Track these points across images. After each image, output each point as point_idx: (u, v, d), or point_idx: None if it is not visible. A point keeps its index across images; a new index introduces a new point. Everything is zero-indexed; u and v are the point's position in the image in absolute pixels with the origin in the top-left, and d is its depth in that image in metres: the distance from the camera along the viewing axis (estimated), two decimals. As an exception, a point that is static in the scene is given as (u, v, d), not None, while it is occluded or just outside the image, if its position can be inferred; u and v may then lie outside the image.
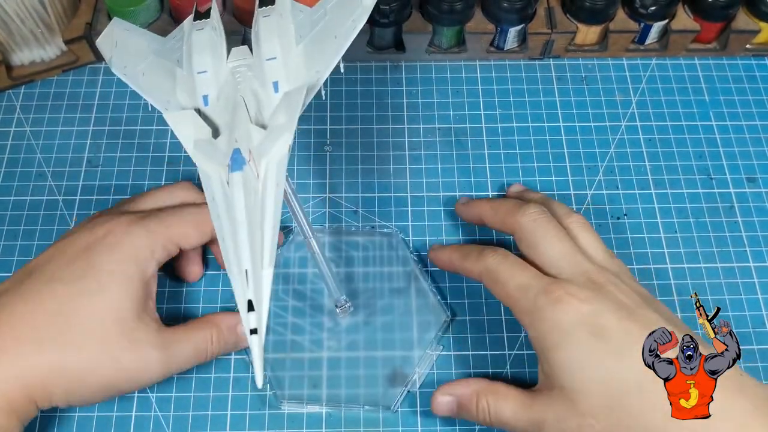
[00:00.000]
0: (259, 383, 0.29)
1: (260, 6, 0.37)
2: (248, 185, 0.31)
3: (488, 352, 0.41)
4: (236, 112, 0.34)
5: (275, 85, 0.35)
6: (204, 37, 0.36)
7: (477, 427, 0.39)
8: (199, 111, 0.35)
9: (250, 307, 0.29)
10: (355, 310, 0.41)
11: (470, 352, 0.41)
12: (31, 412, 0.34)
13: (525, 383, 0.37)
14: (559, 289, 0.34)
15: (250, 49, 0.37)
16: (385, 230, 0.45)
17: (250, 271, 0.29)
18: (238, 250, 0.30)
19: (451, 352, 0.41)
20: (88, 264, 0.35)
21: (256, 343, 0.28)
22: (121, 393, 0.36)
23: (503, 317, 0.42)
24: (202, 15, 0.38)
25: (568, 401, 0.33)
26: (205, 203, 0.39)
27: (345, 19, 0.35)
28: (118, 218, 0.37)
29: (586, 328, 0.33)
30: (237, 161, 0.31)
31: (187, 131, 0.34)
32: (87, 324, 0.34)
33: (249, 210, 0.30)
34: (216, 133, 0.34)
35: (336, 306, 0.40)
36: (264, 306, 0.29)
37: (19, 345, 0.33)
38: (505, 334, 0.42)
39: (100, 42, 0.40)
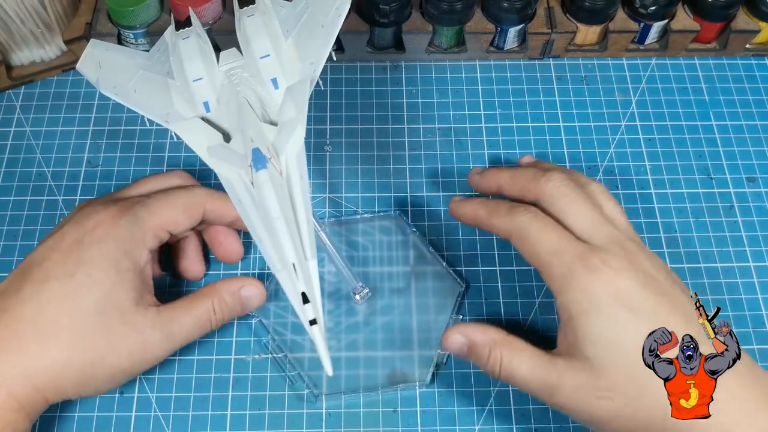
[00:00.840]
0: (329, 371, 0.30)
1: (241, 7, 0.37)
2: (275, 182, 0.31)
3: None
4: (243, 114, 0.34)
5: (274, 82, 0.35)
6: (192, 44, 0.36)
7: (477, 427, 0.39)
8: (202, 118, 0.35)
9: (305, 299, 0.29)
10: (372, 294, 0.42)
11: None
12: (40, 407, 0.34)
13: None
14: (595, 257, 0.34)
15: (239, 51, 0.37)
16: (384, 213, 0.45)
17: (297, 264, 0.30)
18: (280, 247, 0.30)
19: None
20: (81, 259, 0.35)
21: (317, 333, 0.29)
22: (130, 377, 0.36)
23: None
24: (183, 24, 0.38)
25: (591, 372, 0.33)
26: (195, 185, 0.40)
27: (328, 8, 0.35)
28: (106, 209, 0.37)
29: (619, 302, 0.33)
30: (260, 160, 0.31)
31: (199, 139, 0.34)
32: (88, 318, 0.34)
33: (282, 205, 0.31)
34: (226, 137, 0.34)
35: (353, 293, 0.41)
36: (317, 296, 0.30)
37: (25, 345, 0.33)
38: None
39: (81, 66, 0.39)
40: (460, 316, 0.41)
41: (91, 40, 0.41)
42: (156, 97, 0.37)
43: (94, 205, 0.37)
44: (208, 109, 0.35)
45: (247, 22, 0.36)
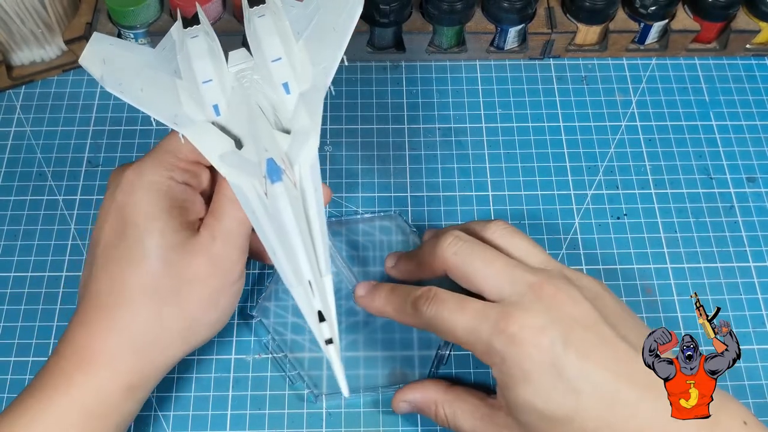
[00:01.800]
0: (346, 392, 0.29)
1: (251, 6, 0.37)
2: (291, 194, 0.30)
3: None
4: (255, 120, 0.33)
5: (285, 86, 0.34)
6: (201, 44, 0.35)
7: (477, 427, 0.39)
8: (212, 122, 0.34)
9: (321, 317, 0.29)
10: None
11: None
12: (151, 384, 0.35)
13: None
14: (512, 323, 0.32)
15: (248, 51, 0.36)
16: (384, 213, 0.45)
17: (313, 281, 0.29)
18: (296, 263, 0.29)
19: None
20: (126, 220, 0.34)
21: (334, 353, 0.28)
22: (231, 292, 0.35)
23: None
24: (191, 21, 0.37)
25: None
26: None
27: (340, 11, 0.34)
28: (130, 166, 0.35)
29: (545, 369, 0.32)
30: (275, 171, 0.30)
31: (211, 145, 0.33)
32: (154, 269, 0.33)
33: (297, 219, 0.30)
34: (237, 143, 0.33)
35: (354, 293, 0.40)
36: (333, 314, 0.29)
37: (118, 321, 0.33)
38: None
39: (84, 60, 0.38)
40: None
41: (95, 33, 0.39)
42: (163, 97, 0.35)
43: (124, 167, 0.36)
44: (217, 113, 0.34)
45: (258, 23, 0.35)
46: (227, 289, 0.35)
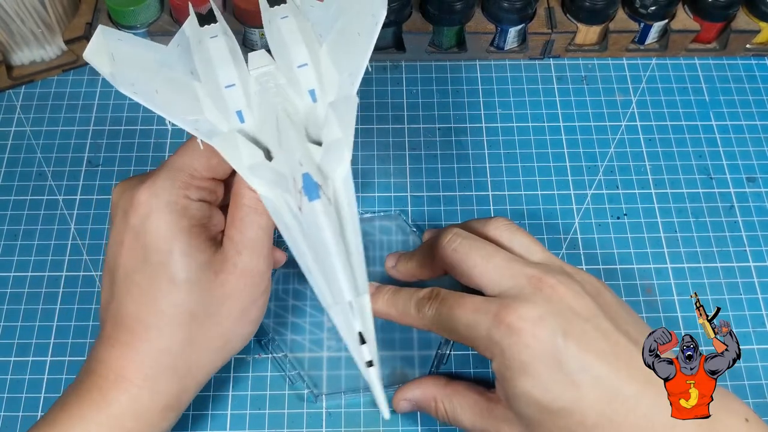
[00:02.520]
0: (386, 415, 0.29)
1: (271, 5, 0.35)
2: (328, 211, 0.29)
3: None
4: (284, 130, 0.31)
5: (312, 93, 0.33)
6: (221, 45, 0.33)
7: (477, 427, 0.39)
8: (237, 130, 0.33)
9: (362, 339, 0.28)
10: None
11: None
12: (191, 397, 0.34)
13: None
14: (511, 314, 0.32)
15: (269, 53, 0.34)
16: (384, 213, 0.45)
17: (355, 301, 0.28)
18: (335, 283, 0.29)
19: None
20: (146, 244, 0.32)
21: (374, 375, 0.28)
22: (258, 307, 0.35)
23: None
24: (206, 18, 0.34)
25: (526, 429, 0.33)
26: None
27: (365, 14, 0.33)
28: (142, 184, 0.34)
29: (544, 360, 0.32)
30: (312, 188, 0.29)
31: (240, 156, 0.31)
32: (182, 291, 0.32)
33: (338, 238, 0.29)
34: (266, 153, 0.32)
35: None
36: (373, 336, 0.28)
37: (152, 343, 0.33)
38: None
39: (89, 55, 0.34)
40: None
41: (100, 26, 0.35)
42: (181, 100, 0.33)
43: (132, 185, 0.34)
44: (242, 119, 0.32)
45: (282, 25, 0.33)
46: (258, 300, 0.34)
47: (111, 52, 0.34)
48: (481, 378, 0.40)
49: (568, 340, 0.32)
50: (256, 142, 0.32)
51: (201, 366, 0.34)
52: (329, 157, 0.30)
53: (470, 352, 0.41)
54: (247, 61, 0.34)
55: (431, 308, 0.35)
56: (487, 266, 0.35)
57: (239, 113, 0.32)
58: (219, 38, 0.33)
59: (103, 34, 0.34)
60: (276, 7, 0.34)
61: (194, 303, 0.32)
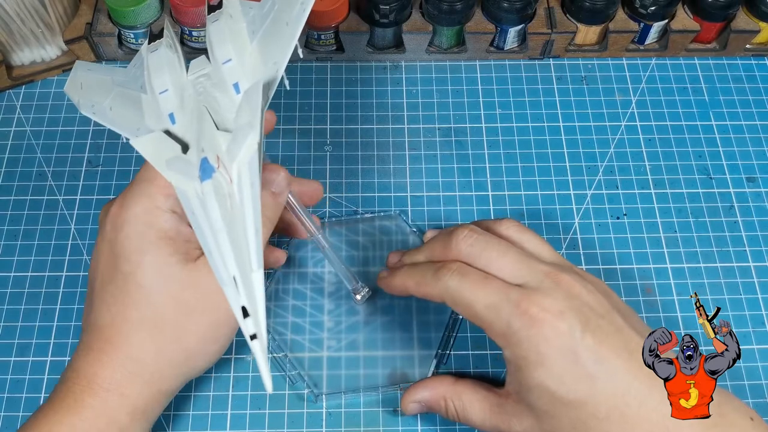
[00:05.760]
0: (269, 388, 0.28)
1: (209, 13, 0.37)
2: (220, 191, 0.31)
3: None
4: (202, 122, 0.33)
5: (236, 86, 0.34)
6: (160, 56, 0.36)
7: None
8: (169, 132, 0.35)
9: (245, 313, 0.29)
10: (373, 294, 0.42)
11: None
12: (160, 404, 0.35)
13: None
14: (532, 304, 0.33)
15: (208, 58, 0.36)
16: (384, 213, 0.45)
17: (239, 277, 0.29)
18: (223, 258, 0.30)
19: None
20: (116, 255, 0.34)
21: (258, 348, 0.28)
22: (226, 331, 0.35)
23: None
24: (157, 36, 0.37)
25: (536, 420, 0.33)
26: None
27: (293, 5, 0.34)
28: (115, 201, 0.36)
29: (562, 352, 0.32)
30: (206, 170, 0.31)
31: (156, 153, 0.33)
32: (150, 301, 0.33)
33: (227, 216, 0.30)
34: (186, 148, 0.34)
35: (354, 293, 0.41)
36: (260, 310, 0.29)
37: (117, 347, 0.33)
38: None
39: (68, 88, 0.40)
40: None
41: (77, 62, 0.41)
42: (130, 113, 0.36)
43: (108, 205, 0.37)
44: (173, 121, 0.34)
45: (211, 28, 0.36)
46: (227, 321, 0.35)
47: (80, 82, 0.39)
48: (482, 377, 0.40)
49: (586, 334, 0.32)
50: (183, 141, 0.34)
51: (166, 377, 0.34)
52: (235, 142, 0.32)
53: (470, 352, 0.41)
54: (189, 68, 0.36)
55: (452, 278, 0.35)
56: (504, 260, 0.35)
57: (171, 116, 0.35)
58: (159, 50, 0.37)
59: (77, 68, 0.40)
60: (212, 13, 0.37)
61: (159, 314, 0.33)
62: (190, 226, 0.36)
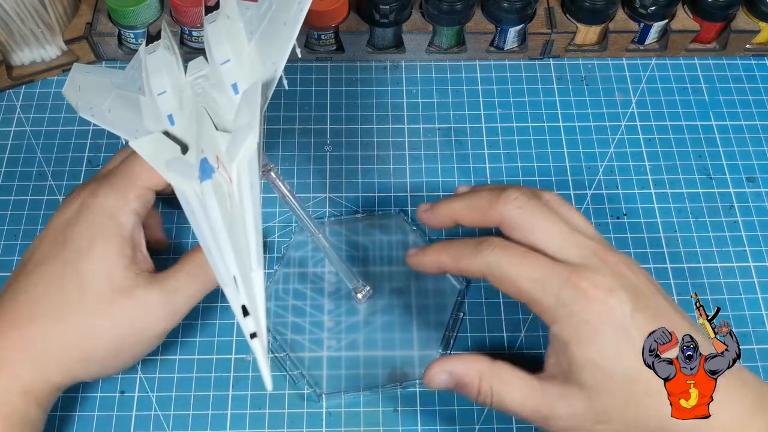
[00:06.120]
0: (269, 386, 0.28)
1: (206, 14, 0.37)
2: (220, 191, 0.31)
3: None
4: (201, 123, 0.34)
5: (234, 87, 0.34)
6: (158, 58, 0.36)
7: (477, 427, 0.39)
8: (168, 133, 0.35)
9: (245, 312, 0.29)
10: (373, 294, 0.42)
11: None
12: (50, 393, 0.35)
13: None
14: (583, 279, 0.32)
15: (206, 59, 0.37)
16: (384, 213, 0.45)
17: (239, 276, 0.29)
18: (223, 258, 0.30)
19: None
20: (66, 238, 0.35)
21: (258, 347, 0.28)
22: (141, 349, 0.36)
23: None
24: (155, 38, 0.37)
25: (587, 398, 0.32)
26: None
27: (291, 5, 0.34)
28: (85, 188, 0.37)
29: (614, 327, 0.32)
30: (205, 170, 0.31)
31: (156, 154, 0.34)
32: (80, 292, 0.34)
33: (227, 216, 0.31)
34: (185, 149, 0.34)
35: (355, 292, 0.41)
36: (260, 308, 0.29)
37: (22, 328, 0.34)
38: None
39: (66, 91, 0.40)
40: (461, 313, 0.41)
41: (75, 64, 0.41)
42: (128, 115, 0.37)
43: (76, 190, 0.38)
44: (172, 123, 0.35)
45: (209, 29, 0.36)
46: (134, 346, 0.35)
47: (79, 85, 0.40)
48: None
49: (636, 313, 0.32)
50: (182, 142, 0.34)
51: (61, 372, 0.34)
52: (235, 142, 0.32)
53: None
54: (187, 69, 0.37)
55: (494, 253, 0.34)
56: (553, 230, 0.34)
57: (170, 117, 0.35)
58: (157, 52, 0.37)
59: (75, 71, 0.41)
60: (209, 14, 0.37)
61: (79, 307, 0.34)
62: (145, 231, 0.38)
